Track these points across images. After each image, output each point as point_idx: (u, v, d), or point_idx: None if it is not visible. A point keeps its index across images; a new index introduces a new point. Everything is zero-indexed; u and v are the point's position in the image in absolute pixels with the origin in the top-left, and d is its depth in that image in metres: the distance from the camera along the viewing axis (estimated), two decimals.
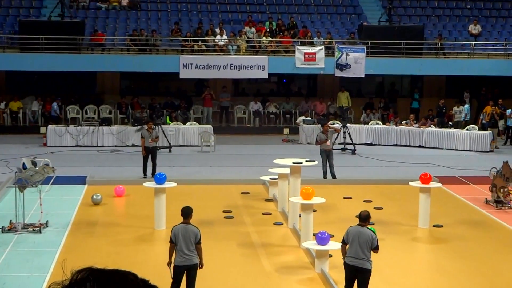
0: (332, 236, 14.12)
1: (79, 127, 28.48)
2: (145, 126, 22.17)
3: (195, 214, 12.06)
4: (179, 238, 11.46)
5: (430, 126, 29.40)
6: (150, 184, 16.67)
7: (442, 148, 28.49)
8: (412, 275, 13.78)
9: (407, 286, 12.88)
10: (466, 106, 32.04)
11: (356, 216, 12.11)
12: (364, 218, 11.67)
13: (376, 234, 11.77)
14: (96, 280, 1.74)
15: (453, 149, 28.26)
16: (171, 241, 11.60)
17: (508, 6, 37.61)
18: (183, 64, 30.67)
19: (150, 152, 21.60)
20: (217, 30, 32.74)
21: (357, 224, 11.64)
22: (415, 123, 29.69)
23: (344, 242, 11.56)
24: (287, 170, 17.41)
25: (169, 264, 11.64)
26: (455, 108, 31.64)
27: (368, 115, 31.78)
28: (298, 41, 32.68)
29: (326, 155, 21.54)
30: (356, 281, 11.53)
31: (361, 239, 11.35)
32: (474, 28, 34.84)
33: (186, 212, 11.81)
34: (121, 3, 35.15)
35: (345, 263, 11.57)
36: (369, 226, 16.02)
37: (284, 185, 17.85)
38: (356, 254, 11.36)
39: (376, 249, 11.46)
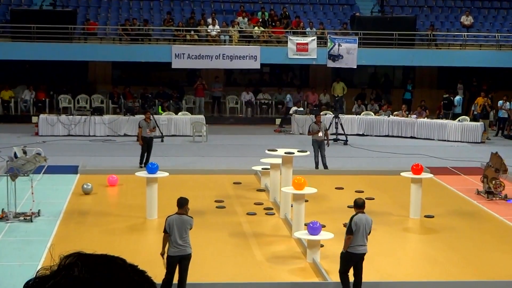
0: (324, 226, 14.17)
1: (71, 116, 28.44)
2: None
3: None
4: (173, 228, 11.44)
5: (425, 117, 29.45)
6: (142, 173, 16.68)
7: (433, 139, 28.55)
8: (402, 265, 13.84)
9: (397, 276, 12.93)
10: (458, 97, 32.08)
11: (350, 206, 12.15)
12: (361, 205, 11.89)
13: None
14: (84, 264, 1.75)
15: (445, 140, 28.33)
16: (165, 231, 11.56)
17: None
18: (175, 54, 30.59)
19: (147, 142, 21.56)
20: (210, 20, 32.65)
21: (359, 212, 11.78)
22: (408, 114, 29.73)
23: (351, 233, 11.53)
24: (279, 160, 17.44)
25: (162, 254, 11.63)
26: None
27: (359, 105, 31.77)
28: (290, 31, 32.63)
29: (318, 146, 21.57)
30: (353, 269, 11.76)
31: (367, 225, 11.65)
32: (466, 19, 34.86)
33: (182, 203, 11.78)
34: None
35: (350, 254, 11.57)
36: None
37: (276, 175, 17.88)
38: (363, 241, 11.61)
39: (369, 232, 11.82)
